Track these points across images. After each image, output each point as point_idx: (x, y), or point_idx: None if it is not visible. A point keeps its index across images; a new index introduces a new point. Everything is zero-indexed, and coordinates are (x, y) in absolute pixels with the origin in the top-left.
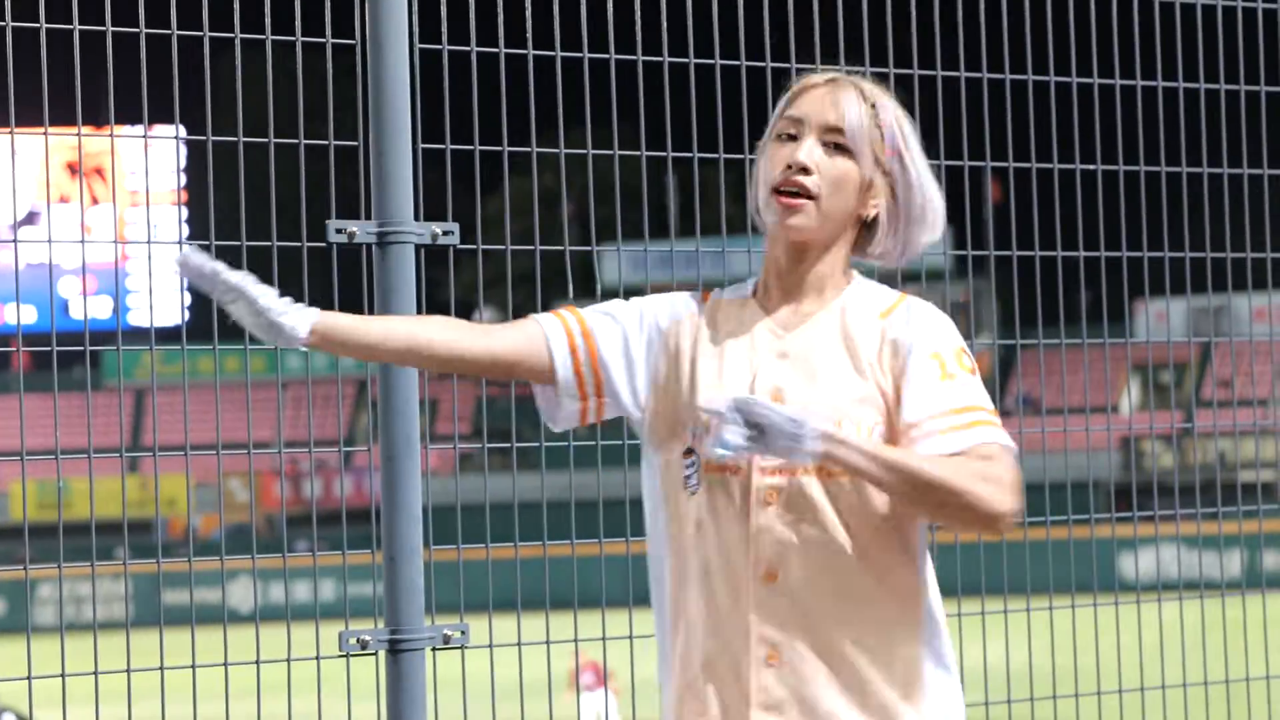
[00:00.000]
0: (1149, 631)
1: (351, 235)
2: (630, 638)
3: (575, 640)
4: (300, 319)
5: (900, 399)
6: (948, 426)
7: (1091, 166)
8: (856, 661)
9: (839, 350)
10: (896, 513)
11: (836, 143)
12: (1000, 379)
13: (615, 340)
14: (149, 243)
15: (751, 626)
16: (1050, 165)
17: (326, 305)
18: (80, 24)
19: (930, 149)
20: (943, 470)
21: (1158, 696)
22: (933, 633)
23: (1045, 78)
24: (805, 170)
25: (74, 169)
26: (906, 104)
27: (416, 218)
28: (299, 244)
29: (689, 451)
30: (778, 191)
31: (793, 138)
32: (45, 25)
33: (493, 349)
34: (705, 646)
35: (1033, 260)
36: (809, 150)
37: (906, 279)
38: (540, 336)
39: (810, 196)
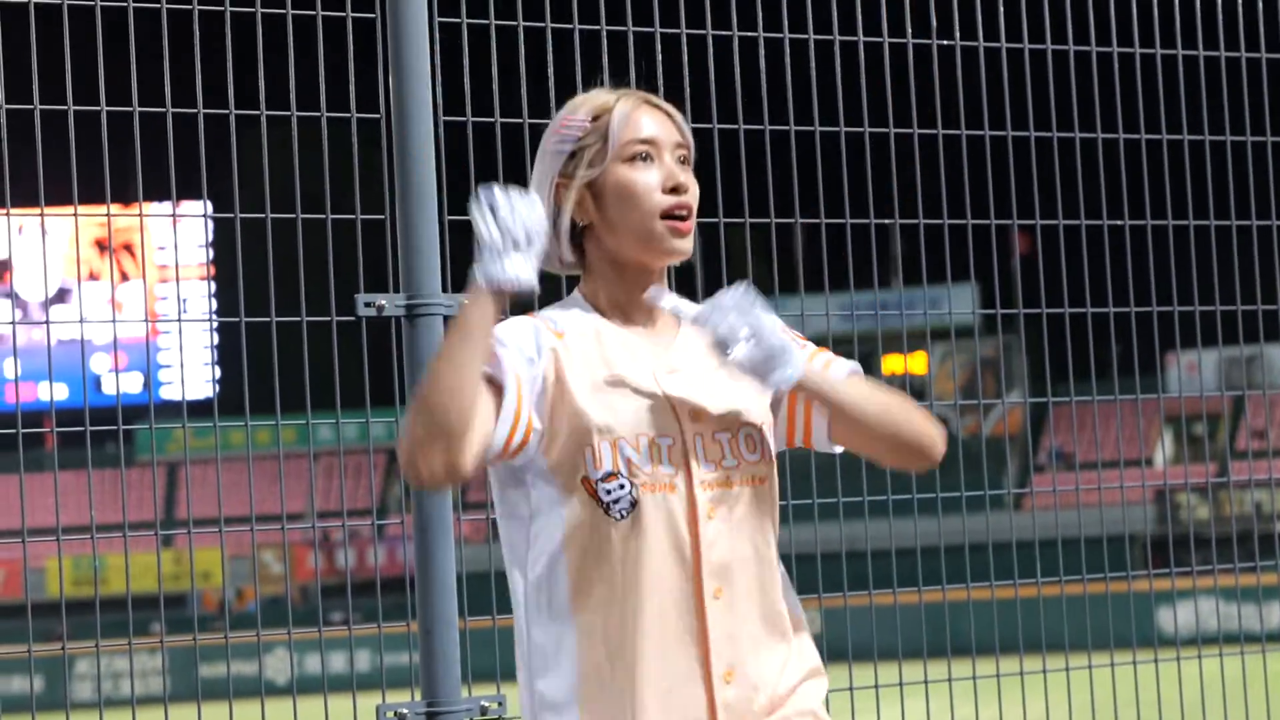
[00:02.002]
0: (1190, 686)
1: (380, 308)
2: None
3: None
4: (532, 275)
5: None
6: (822, 362)
7: (1119, 221)
8: (785, 662)
9: (706, 357)
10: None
11: (682, 158)
12: (1033, 434)
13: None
14: (180, 320)
15: (711, 646)
16: (1078, 221)
17: (356, 377)
18: (107, 104)
19: (956, 206)
20: (890, 399)
21: None
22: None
23: (1071, 134)
24: (685, 190)
25: (103, 246)
26: (932, 163)
27: (444, 289)
28: (328, 318)
29: (610, 475)
30: (666, 216)
31: (646, 158)
32: (74, 107)
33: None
34: (658, 679)
35: (1063, 315)
36: (679, 171)
37: (935, 337)
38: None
39: (691, 214)
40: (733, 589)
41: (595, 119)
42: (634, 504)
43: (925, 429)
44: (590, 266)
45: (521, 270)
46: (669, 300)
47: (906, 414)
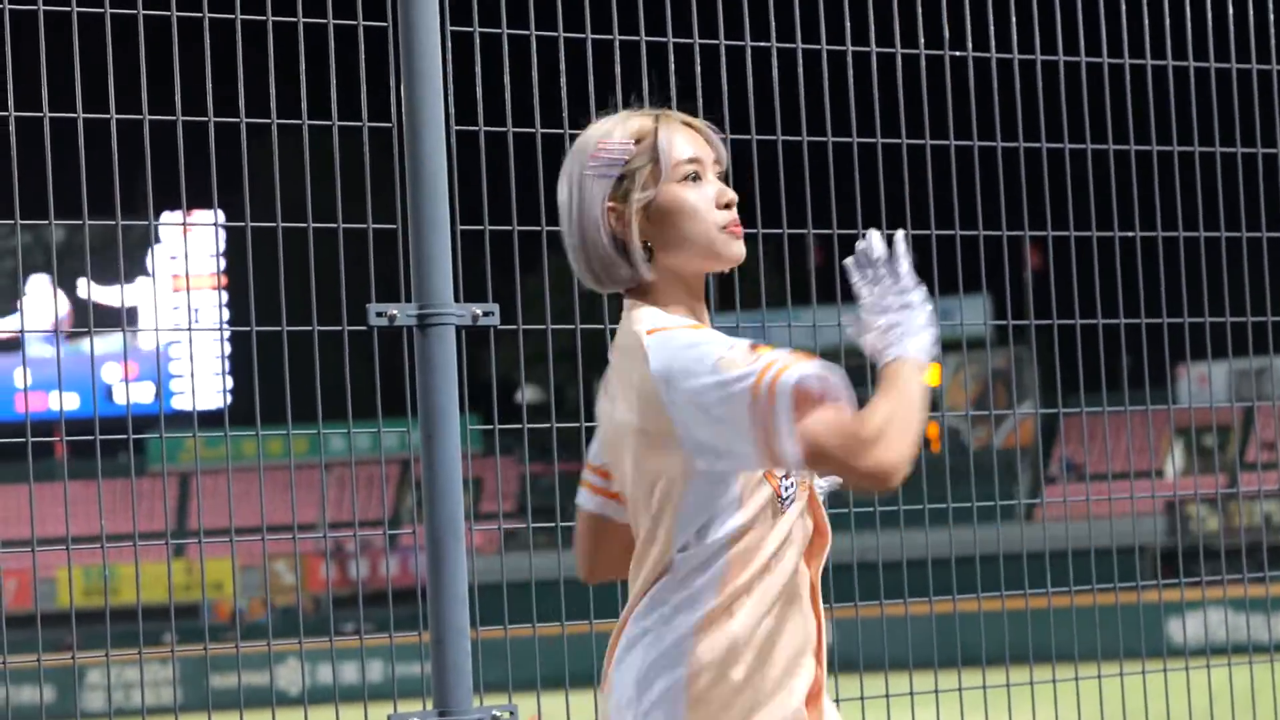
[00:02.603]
0: (1199, 697)
1: (392, 318)
2: None
3: None
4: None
5: None
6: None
7: (1130, 233)
8: None
9: None
10: None
11: (720, 174)
12: (1044, 445)
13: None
14: (190, 329)
15: (821, 641)
16: (1089, 233)
17: (368, 388)
18: (117, 113)
19: (968, 218)
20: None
21: None
22: None
23: (1082, 145)
24: (734, 205)
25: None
26: (945, 173)
27: (456, 299)
28: (339, 328)
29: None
30: (724, 228)
31: (695, 178)
32: (83, 115)
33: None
34: (815, 668)
35: (1074, 327)
36: (725, 187)
37: (947, 349)
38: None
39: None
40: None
41: (638, 141)
42: (793, 501)
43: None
44: (653, 284)
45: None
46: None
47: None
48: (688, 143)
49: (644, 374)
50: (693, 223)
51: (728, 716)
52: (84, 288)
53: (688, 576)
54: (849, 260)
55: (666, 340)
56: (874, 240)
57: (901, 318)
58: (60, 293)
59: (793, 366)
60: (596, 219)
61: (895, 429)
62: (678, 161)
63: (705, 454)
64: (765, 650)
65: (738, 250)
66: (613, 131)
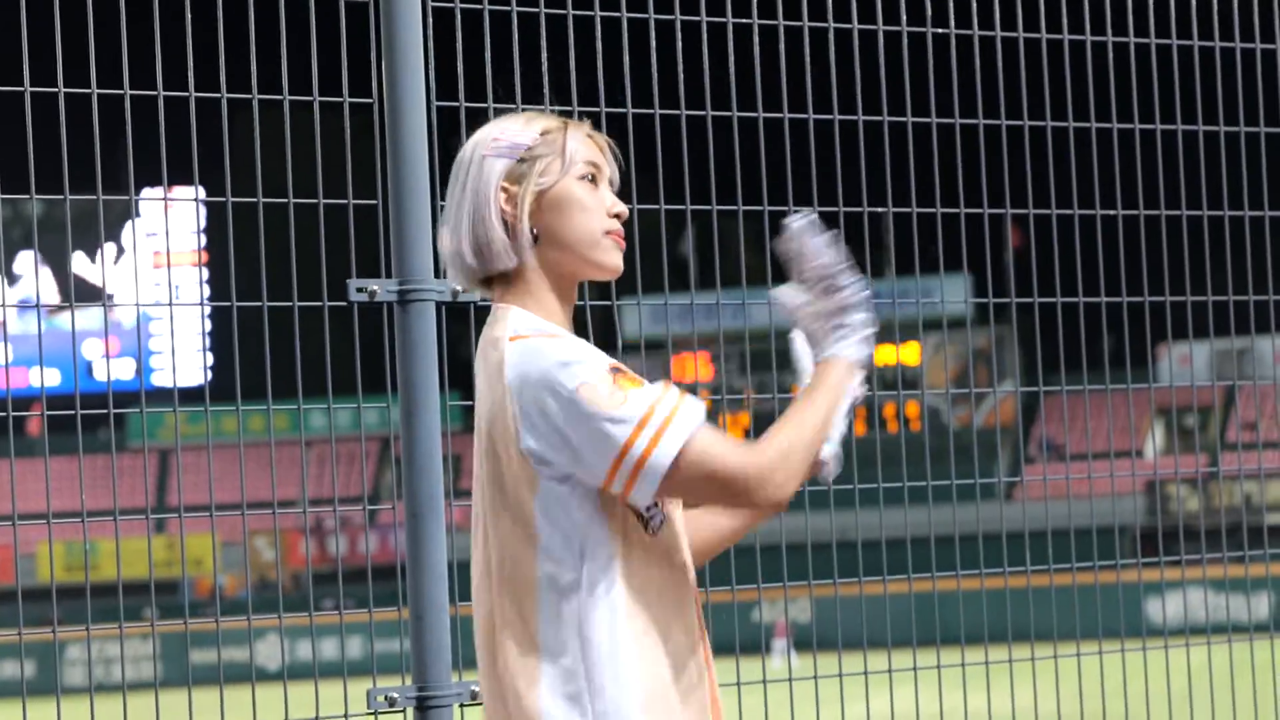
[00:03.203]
0: (1177, 677)
1: (373, 294)
2: None
3: None
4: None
5: None
6: None
7: (1112, 212)
8: None
9: None
10: None
11: (615, 189)
12: (1024, 425)
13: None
14: (171, 304)
15: (703, 635)
16: (1070, 211)
17: (348, 364)
18: (98, 88)
19: (949, 196)
20: None
21: None
22: None
23: (1064, 123)
24: (623, 217)
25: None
26: (926, 151)
27: (437, 275)
28: (320, 303)
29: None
30: (608, 233)
31: (593, 180)
32: (64, 90)
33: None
34: (707, 679)
35: (1054, 306)
36: (616, 199)
37: (928, 327)
38: None
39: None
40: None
41: (544, 133)
42: (663, 520)
43: None
44: (522, 276)
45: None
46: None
47: None
48: (592, 149)
49: (497, 380)
50: (582, 218)
51: None
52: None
53: None
54: (795, 233)
55: (527, 350)
56: (810, 232)
57: (848, 318)
58: (45, 269)
59: (671, 431)
60: (489, 196)
61: (795, 459)
62: (583, 159)
63: (541, 465)
64: None
65: (615, 261)
66: (518, 123)
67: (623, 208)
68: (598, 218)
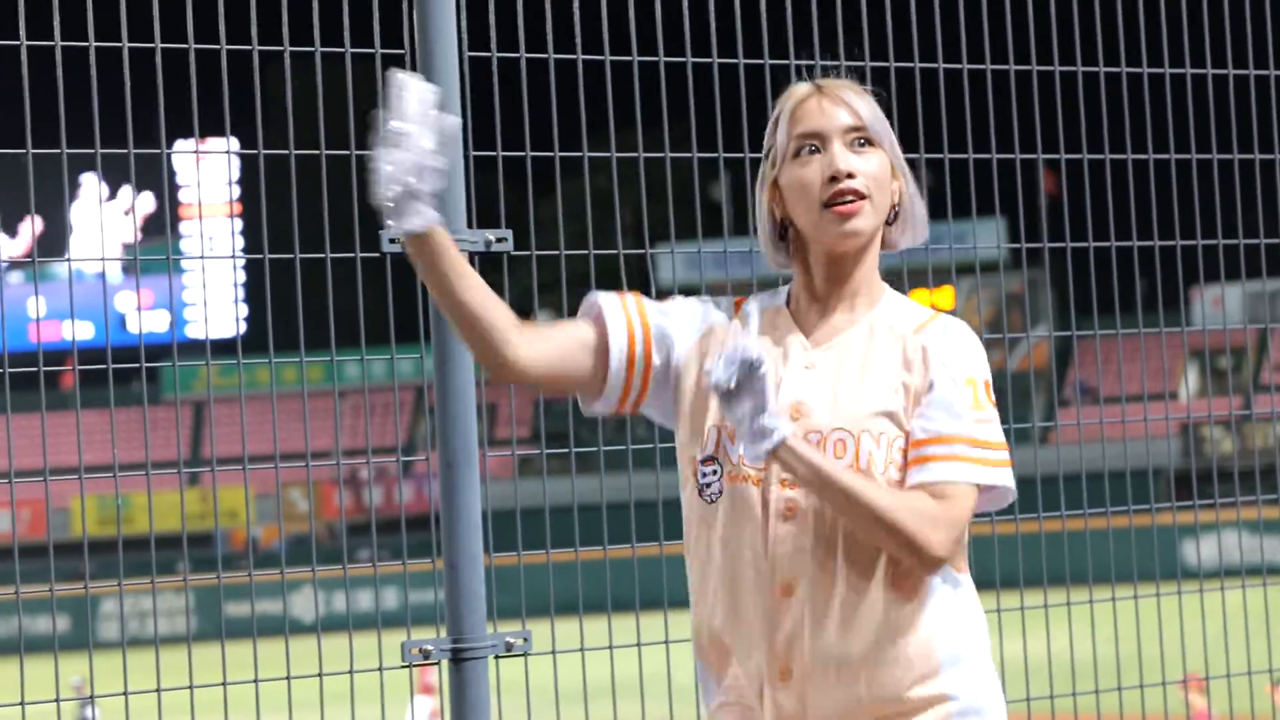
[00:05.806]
0: (1214, 619)
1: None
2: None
3: (639, 644)
4: (430, 214)
5: (918, 412)
6: (948, 454)
7: (1144, 155)
8: (859, 671)
9: (866, 364)
10: None
11: (861, 139)
12: (1058, 369)
13: (665, 340)
14: (204, 257)
15: (773, 643)
16: (1102, 155)
17: (381, 314)
18: (130, 41)
19: (982, 143)
20: (883, 499)
21: (1223, 685)
22: (950, 617)
23: (1095, 68)
24: (850, 175)
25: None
26: (957, 99)
27: (470, 225)
28: (353, 254)
29: (709, 459)
30: (829, 205)
31: (814, 151)
32: (95, 44)
33: (546, 366)
34: (734, 661)
35: (1087, 250)
36: (843, 157)
37: (961, 272)
38: (591, 337)
39: (863, 196)
40: (806, 598)
41: (774, 120)
42: (721, 492)
43: (913, 544)
44: (794, 260)
45: (424, 217)
46: (889, 299)
47: (891, 526)
48: (812, 114)
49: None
50: (802, 202)
51: None
52: (109, 212)
53: None
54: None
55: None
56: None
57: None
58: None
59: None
60: (759, 198)
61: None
62: (792, 136)
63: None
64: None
65: (842, 230)
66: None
67: (842, 165)
68: (813, 193)
